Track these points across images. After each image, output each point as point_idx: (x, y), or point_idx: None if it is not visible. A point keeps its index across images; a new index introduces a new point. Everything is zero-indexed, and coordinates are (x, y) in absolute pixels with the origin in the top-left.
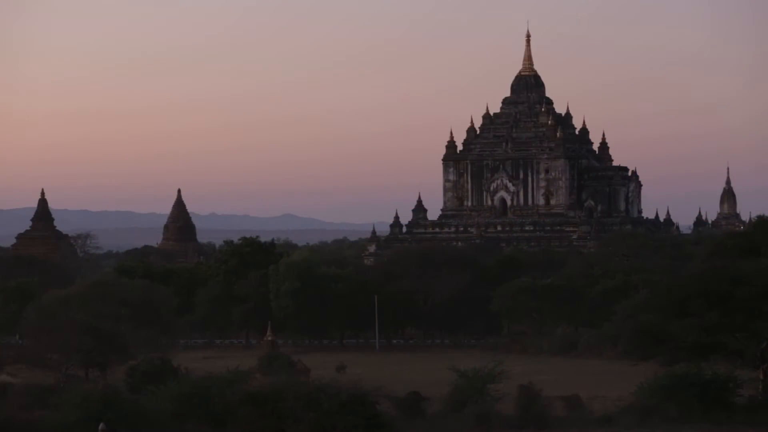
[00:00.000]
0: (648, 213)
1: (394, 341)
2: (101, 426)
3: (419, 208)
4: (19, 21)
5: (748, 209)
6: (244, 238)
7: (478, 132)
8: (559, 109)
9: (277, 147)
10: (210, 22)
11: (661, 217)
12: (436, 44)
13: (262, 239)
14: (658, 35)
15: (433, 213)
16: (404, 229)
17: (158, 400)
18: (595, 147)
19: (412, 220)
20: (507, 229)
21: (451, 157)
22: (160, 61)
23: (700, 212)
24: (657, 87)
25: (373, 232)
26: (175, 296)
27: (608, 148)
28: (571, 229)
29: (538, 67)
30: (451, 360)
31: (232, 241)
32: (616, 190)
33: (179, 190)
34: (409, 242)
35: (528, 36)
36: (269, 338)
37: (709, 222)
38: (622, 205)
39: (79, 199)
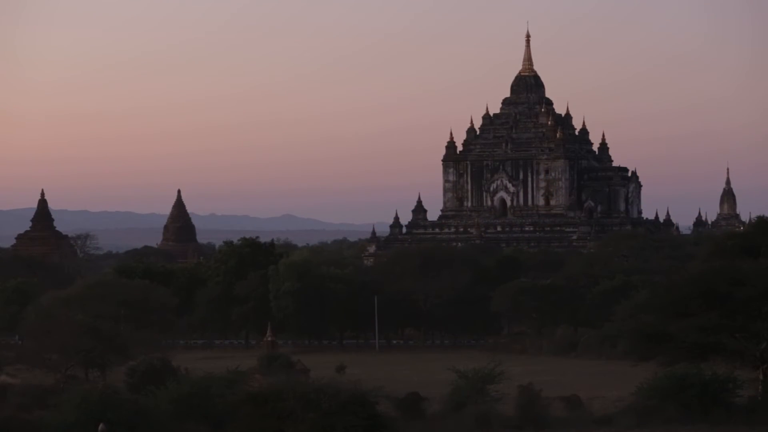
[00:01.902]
0: (648, 213)
1: (394, 341)
2: (101, 426)
3: (419, 209)
4: (19, 21)
5: (748, 209)
6: (244, 239)
7: (478, 132)
8: (559, 109)
9: (277, 147)
10: (209, 21)
11: (661, 218)
12: (436, 44)
13: (262, 239)
14: (658, 35)
15: (433, 213)
16: (404, 230)
17: (158, 401)
18: (595, 147)
19: (411, 220)
20: (507, 229)
21: (451, 157)
22: (160, 60)
23: (700, 212)
24: (657, 87)
25: (373, 232)
26: (174, 296)
27: (608, 148)
28: (571, 229)
29: (538, 67)
30: (450, 360)
31: (231, 242)
32: (616, 190)
33: (179, 191)
34: (409, 243)
35: (528, 36)
36: (269, 338)
37: (709, 222)
38: (622, 206)
39: (79, 199)
